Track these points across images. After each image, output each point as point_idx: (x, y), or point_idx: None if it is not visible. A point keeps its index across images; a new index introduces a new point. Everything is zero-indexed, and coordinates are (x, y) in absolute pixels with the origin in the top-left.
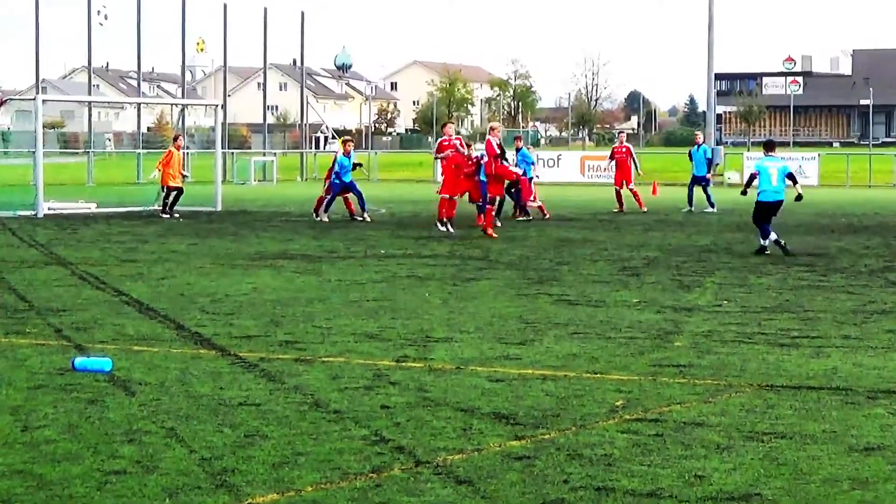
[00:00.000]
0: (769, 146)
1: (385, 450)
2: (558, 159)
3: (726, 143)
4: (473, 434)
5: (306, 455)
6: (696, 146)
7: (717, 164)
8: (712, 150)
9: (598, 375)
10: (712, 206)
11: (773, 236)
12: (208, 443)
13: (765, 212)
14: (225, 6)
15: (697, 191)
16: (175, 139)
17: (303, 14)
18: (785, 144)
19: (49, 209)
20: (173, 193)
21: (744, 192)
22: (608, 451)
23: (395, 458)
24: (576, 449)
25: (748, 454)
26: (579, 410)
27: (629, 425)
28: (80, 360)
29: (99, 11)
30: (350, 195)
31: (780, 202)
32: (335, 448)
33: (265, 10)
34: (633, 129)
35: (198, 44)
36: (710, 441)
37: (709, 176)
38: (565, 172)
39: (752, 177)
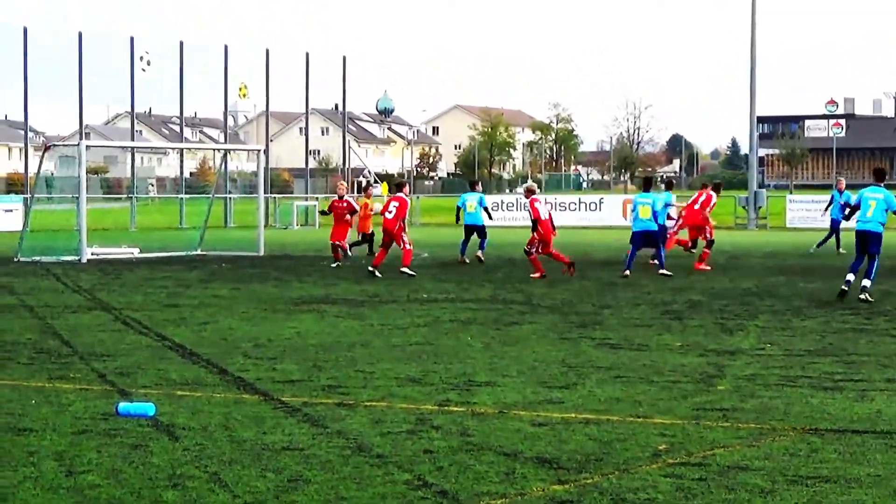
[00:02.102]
0: (879, 175)
1: (428, 494)
2: (601, 203)
3: (769, 185)
4: (516, 478)
5: (349, 500)
6: (838, 191)
7: (760, 207)
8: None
9: (642, 419)
10: (818, 246)
11: (848, 276)
12: (251, 487)
13: (857, 241)
14: (267, 51)
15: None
16: (366, 188)
17: (344, 59)
18: (828, 187)
19: (92, 254)
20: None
21: (847, 217)
22: (651, 495)
23: (438, 502)
24: (619, 493)
25: (792, 498)
26: (622, 454)
27: (672, 469)
28: (123, 406)
29: (142, 57)
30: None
31: (869, 233)
32: (378, 493)
33: (307, 55)
34: (674, 172)
35: (240, 89)
36: (753, 485)
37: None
38: (608, 216)
39: (856, 207)
